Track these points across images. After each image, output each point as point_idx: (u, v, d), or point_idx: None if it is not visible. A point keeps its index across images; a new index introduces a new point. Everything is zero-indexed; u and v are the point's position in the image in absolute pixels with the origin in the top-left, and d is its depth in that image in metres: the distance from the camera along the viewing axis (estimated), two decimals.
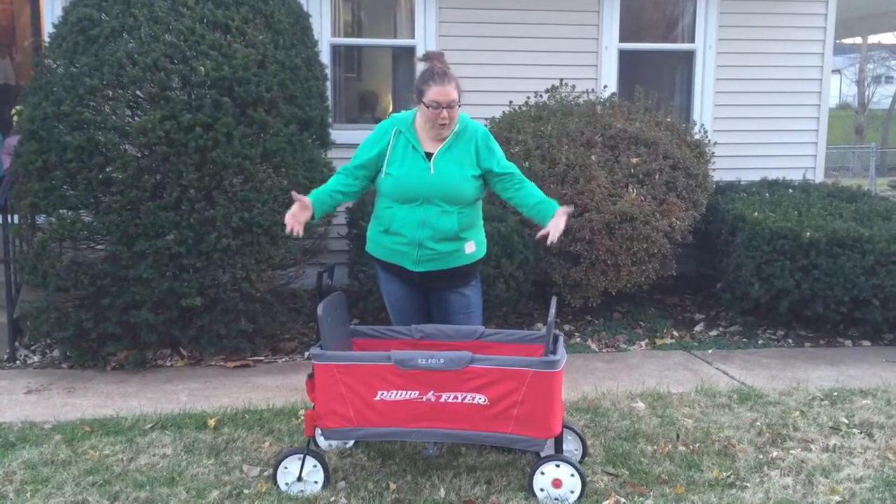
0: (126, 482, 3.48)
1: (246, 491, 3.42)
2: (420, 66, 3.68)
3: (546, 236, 3.45)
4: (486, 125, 6.48)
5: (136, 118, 5.01)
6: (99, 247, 5.18)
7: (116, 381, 4.94)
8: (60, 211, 4.99)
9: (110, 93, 5.00)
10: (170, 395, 4.67)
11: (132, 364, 5.11)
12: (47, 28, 6.08)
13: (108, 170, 4.94)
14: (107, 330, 5.06)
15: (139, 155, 4.96)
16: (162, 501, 3.32)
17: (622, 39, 7.14)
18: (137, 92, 5.01)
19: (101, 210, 4.93)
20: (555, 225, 3.46)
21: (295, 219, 3.46)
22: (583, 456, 3.67)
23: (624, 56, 7.19)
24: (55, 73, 5.13)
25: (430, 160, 3.58)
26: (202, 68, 4.93)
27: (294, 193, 3.53)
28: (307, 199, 3.51)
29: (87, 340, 5.15)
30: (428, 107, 3.52)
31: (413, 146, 3.60)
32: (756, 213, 5.85)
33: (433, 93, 3.49)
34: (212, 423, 4.16)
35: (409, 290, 3.79)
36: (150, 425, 4.15)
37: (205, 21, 5.16)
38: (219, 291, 5.01)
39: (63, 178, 4.95)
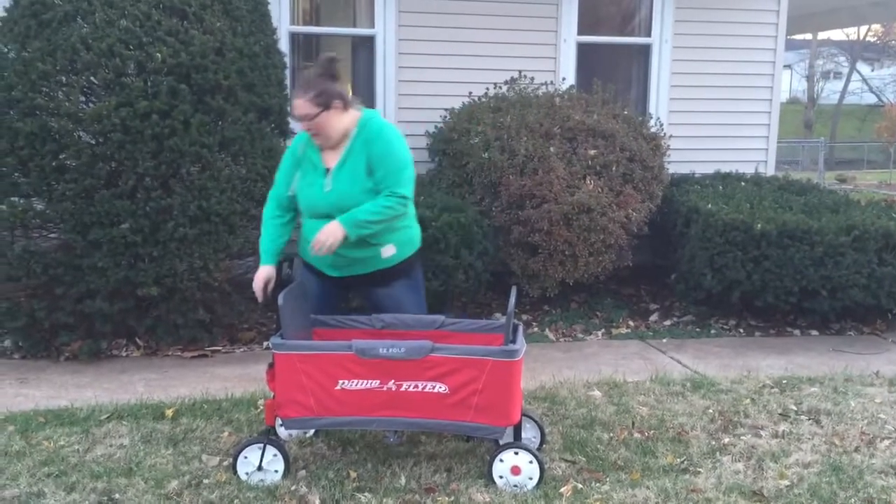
0: (83, 473, 3.45)
1: (206, 481, 3.40)
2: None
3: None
4: (445, 116, 6.57)
5: (91, 105, 4.92)
6: (52, 235, 5.08)
7: (70, 372, 4.86)
8: (12, 199, 4.89)
9: (63, 78, 4.89)
10: (126, 386, 4.62)
11: (86, 354, 5.04)
12: None
13: (61, 157, 4.84)
14: (60, 320, 4.98)
15: (93, 142, 4.87)
16: (120, 492, 3.30)
17: (580, 32, 7.21)
18: (92, 78, 4.91)
19: (55, 198, 4.84)
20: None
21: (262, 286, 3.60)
22: (541, 443, 3.72)
23: (582, 49, 7.26)
24: (6, 57, 5.00)
25: (327, 176, 3.52)
26: (159, 55, 4.85)
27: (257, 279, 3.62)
28: (265, 268, 3.60)
29: (39, 330, 5.07)
30: None
31: (313, 162, 3.54)
32: (710, 206, 5.97)
33: (292, 104, 3.42)
34: (169, 413, 4.13)
35: (324, 290, 3.74)
36: (105, 416, 4.10)
37: (161, 6, 5.08)
38: (176, 281, 4.96)
39: (14, 165, 4.85)
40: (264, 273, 3.62)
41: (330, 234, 3.41)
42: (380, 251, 3.59)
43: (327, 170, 3.53)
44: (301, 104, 3.40)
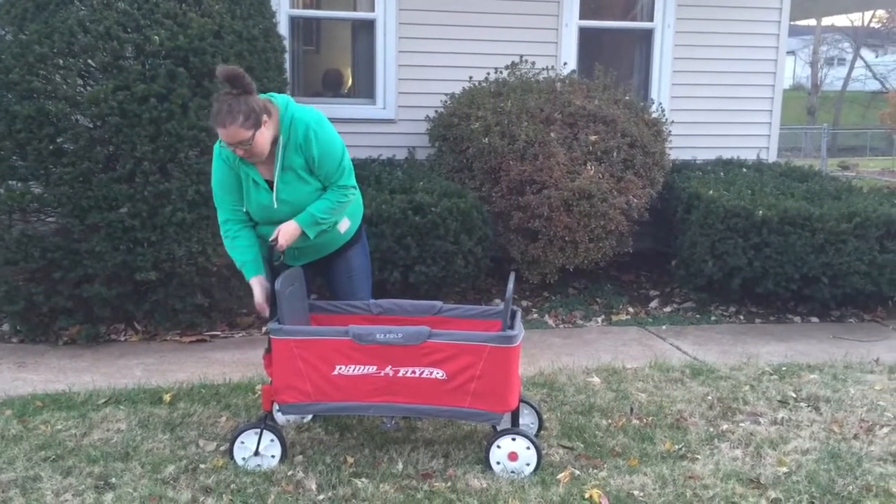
0: (79, 457, 3.44)
1: (202, 465, 3.40)
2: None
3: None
4: (445, 101, 6.54)
5: (88, 88, 4.89)
6: (50, 219, 5.06)
7: (69, 356, 4.86)
8: (9, 182, 4.87)
9: (61, 61, 4.86)
10: (124, 370, 4.62)
11: (85, 338, 5.03)
12: None
13: (58, 140, 4.82)
14: (58, 304, 4.97)
15: (91, 126, 4.85)
16: (116, 476, 3.29)
17: (582, 17, 7.15)
18: (89, 61, 4.88)
19: (52, 182, 4.82)
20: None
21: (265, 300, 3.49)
22: (538, 429, 3.71)
23: (584, 33, 7.21)
24: (3, 40, 4.97)
25: (272, 190, 3.43)
26: (156, 38, 4.82)
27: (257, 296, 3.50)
28: (258, 280, 3.49)
29: (37, 314, 5.06)
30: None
31: (254, 180, 3.43)
32: (711, 192, 5.94)
33: (220, 134, 3.26)
34: (167, 398, 4.12)
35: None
36: (103, 400, 4.09)
37: None
38: (174, 265, 4.95)
39: (12, 148, 4.83)
40: (261, 286, 3.49)
41: (290, 236, 3.41)
42: (338, 229, 3.63)
43: (269, 182, 3.44)
44: (234, 132, 3.21)
